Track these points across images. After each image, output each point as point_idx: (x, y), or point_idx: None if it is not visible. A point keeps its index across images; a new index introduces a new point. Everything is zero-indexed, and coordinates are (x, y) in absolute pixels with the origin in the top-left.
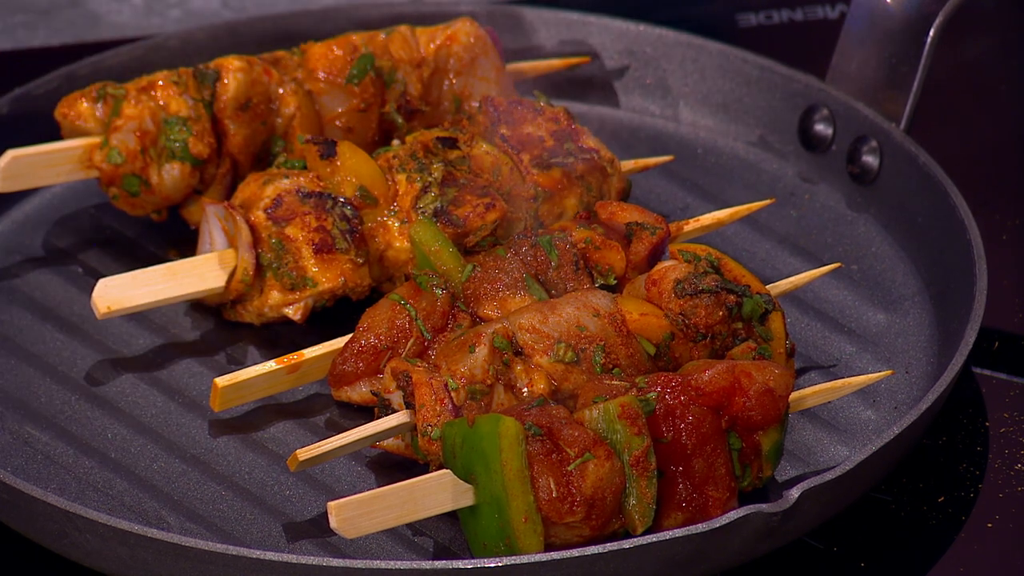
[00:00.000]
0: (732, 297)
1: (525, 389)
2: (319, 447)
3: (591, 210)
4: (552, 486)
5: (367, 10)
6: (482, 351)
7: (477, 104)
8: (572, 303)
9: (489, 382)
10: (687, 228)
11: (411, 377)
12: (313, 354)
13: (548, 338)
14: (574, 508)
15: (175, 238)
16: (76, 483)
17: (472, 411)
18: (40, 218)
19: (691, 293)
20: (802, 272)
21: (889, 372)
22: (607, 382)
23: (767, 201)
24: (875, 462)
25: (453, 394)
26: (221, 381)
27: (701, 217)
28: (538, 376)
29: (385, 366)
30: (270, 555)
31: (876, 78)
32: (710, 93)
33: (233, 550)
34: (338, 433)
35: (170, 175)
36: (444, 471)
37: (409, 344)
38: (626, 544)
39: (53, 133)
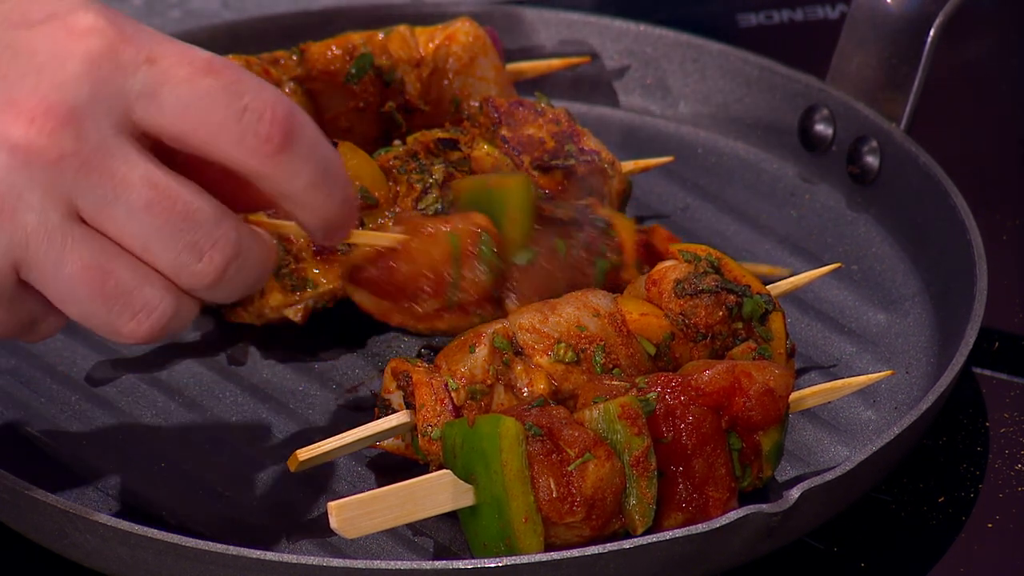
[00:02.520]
0: (732, 297)
1: (525, 389)
2: (319, 447)
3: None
4: (552, 486)
5: (367, 10)
6: (482, 351)
7: (477, 104)
8: (572, 303)
9: (489, 382)
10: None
11: (411, 377)
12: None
13: (548, 338)
14: (574, 508)
15: None
16: (76, 483)
17: (472, 411)
18: None
19: (691, 293)
20: (802, 272)
21: (889, 372)
22: (607, 382)
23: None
24: (875, 462)
25: (453, 394)
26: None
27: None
28: (538, 376)
29: (399, 311)
30: (270, 555)
31: (876, 78)
32: (710, 93)
33: (233, 550)
34: (338, 433)
35: None
36: (444, 471)
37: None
38: (626, 544)
39: None
